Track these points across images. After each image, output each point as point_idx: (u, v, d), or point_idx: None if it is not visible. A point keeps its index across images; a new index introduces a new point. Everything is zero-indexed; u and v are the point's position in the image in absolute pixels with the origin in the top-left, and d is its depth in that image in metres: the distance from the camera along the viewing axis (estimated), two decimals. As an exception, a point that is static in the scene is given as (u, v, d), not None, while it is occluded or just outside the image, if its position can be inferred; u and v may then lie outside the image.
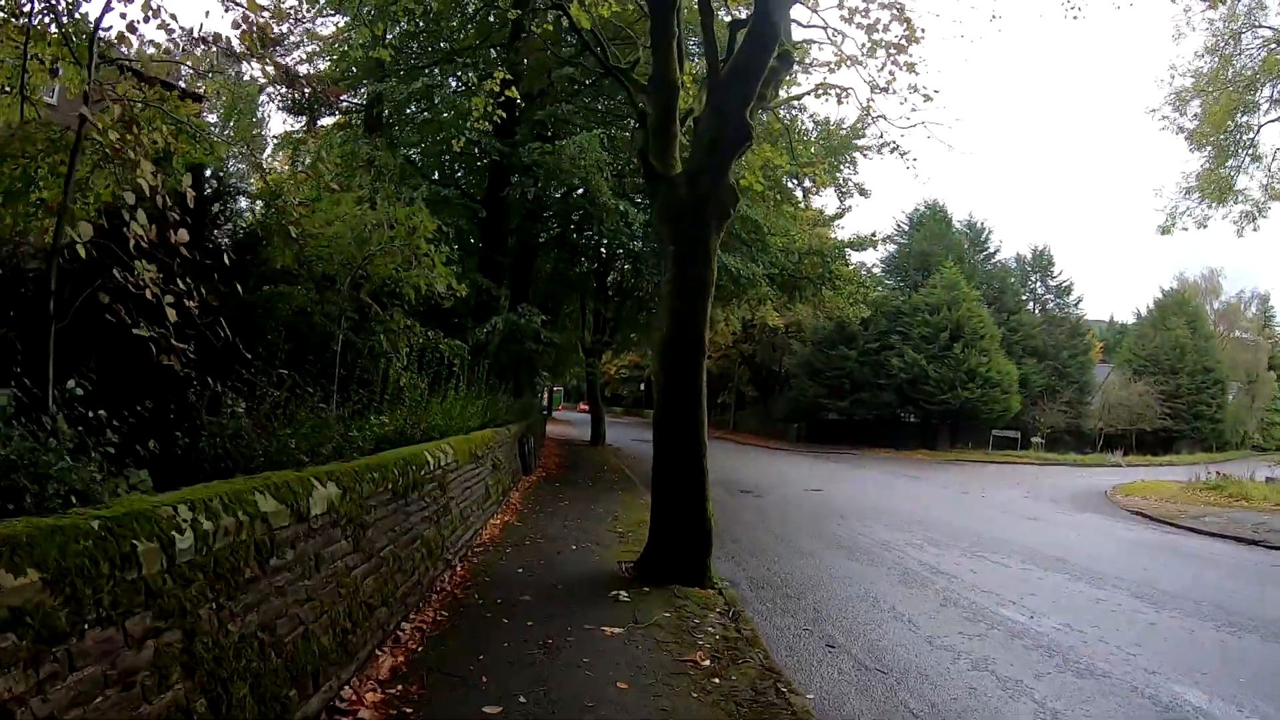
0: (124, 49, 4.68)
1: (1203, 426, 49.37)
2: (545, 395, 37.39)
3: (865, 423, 40.53)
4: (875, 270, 38.62)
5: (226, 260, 6.03)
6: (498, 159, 14.32)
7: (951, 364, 36.94)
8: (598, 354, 25.87)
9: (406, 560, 4.99)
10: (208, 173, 9.18)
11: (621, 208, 13.35)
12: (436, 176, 17.20)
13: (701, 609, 6.08)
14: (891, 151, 11.51)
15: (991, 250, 48.90)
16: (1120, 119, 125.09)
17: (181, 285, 3.80)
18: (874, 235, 20.08)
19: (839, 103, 13.78)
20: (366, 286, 8.43)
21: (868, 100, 10.41)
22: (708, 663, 4.80)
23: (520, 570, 7.04)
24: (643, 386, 72.04)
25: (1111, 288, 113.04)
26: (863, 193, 19.99)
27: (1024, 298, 50.65)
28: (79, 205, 4.01)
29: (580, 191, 14.06)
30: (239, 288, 5.59)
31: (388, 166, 13.51)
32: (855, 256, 21.24)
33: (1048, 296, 53.06)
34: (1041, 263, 53.04)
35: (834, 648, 5.85)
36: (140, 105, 4.45)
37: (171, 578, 2.37)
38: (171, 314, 3.70)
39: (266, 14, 5.20)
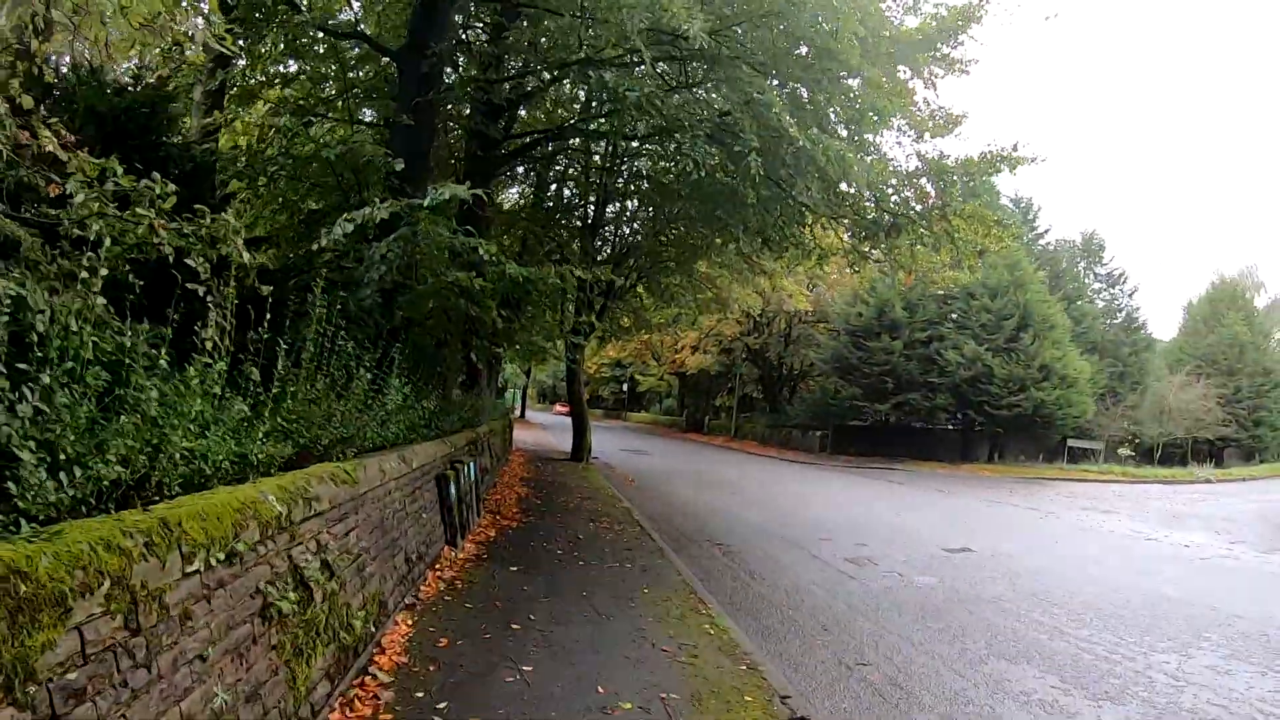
0: None
1: (1264, 434, 42.49)
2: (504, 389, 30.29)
3: (901, 430, 33.58)
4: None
5: None
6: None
7: (1021, 359, 29.49)
8: (579, 344, 18.64)
9: None
10: None
11: None
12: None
13: None
14: None
15: (1041, 230, 42.38)
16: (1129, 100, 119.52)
17: None
18: (1015, 151, 12.36)
19: None
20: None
21: None
22: None
23: None
24: (625, 388, 63.43)
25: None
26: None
27: (1073, 286, 44.17)
28: None
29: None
30: None
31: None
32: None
33: (1097, 285, 46.60)
34: (1091, 248, 46.59)
35: None
36: None
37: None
38: None
39: None
